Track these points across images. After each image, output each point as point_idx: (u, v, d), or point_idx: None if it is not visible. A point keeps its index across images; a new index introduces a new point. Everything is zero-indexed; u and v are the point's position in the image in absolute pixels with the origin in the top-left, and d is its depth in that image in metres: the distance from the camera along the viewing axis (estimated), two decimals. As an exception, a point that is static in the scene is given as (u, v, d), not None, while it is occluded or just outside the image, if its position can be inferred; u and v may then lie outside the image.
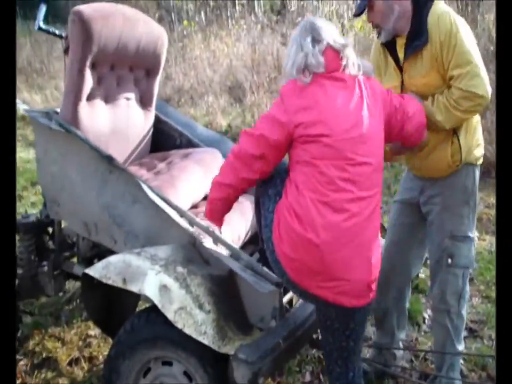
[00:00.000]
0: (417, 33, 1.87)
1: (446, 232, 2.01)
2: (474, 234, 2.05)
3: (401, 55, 1.96)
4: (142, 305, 2.30)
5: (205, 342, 1.57)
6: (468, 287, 2.07)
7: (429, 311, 2.79)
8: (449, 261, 2.00)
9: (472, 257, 2.03)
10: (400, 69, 1.98)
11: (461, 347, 2.10)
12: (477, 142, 1.99)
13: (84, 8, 2.22)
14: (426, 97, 1.90)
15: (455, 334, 2.06)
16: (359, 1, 1.93)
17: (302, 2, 9.33)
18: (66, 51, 2.33)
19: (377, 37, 2.02)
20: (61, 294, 2.70)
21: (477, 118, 1.99)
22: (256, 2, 9.94)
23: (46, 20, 2.59)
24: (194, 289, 1.65)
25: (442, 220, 2.02)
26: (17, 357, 2.48)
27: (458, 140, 1.93)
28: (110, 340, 2.28)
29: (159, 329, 1.71)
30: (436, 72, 1.87)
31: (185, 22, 9.50)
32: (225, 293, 1.72)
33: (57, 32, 2.67)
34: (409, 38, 1.90)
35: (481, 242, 3.53)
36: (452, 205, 1.99)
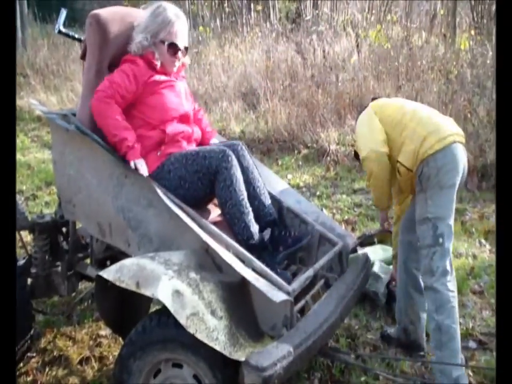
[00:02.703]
0: None
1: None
2: (437, 214, 2.24)
3: None
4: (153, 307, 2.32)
5: (217, 348, 1.58)
6: (443, 262, 2.23)
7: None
8: (418, 244, 2.31)
9: (436, 235, 2.22)
10: None
11: (443, 319, 2.19)
12: (414, 147, 2.25)
13: (101, 11, 2.26)
14: None
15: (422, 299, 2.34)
16: None
17: (317, 11, 9.37)
18: (83, 56, 2.37)
19: None
20: (73, 294, 2.73)
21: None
22: (271, 10, 10.00)
23: (64, 23, 2.63)
24: (207, 296, 1.67)
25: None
26: (29, 354, 2.51)
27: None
28: (121, 340, 2.30)
29: (170, 331, 1.72)
30: None
31: (200, 28, 9.58)
32: (237, 300, 1.74)
33: (76, 36, 2.72)
34: None
35: (492, 255, 3.50)
36: (416, 197, 2.33)
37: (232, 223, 2.10)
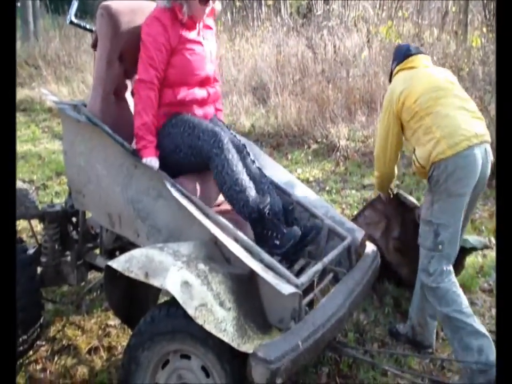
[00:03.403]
0: None
1: None
2: (441, 221, 2.24)
3: None
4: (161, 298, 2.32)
5: (225, 339, 1.58)
6: (441, 266, 2.25)
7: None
8: (419, 240, 2.34)
9: (437, 242, 2.24)
10: None
11: (446, 308, 2.22)
12: (429, 148, 2.23)
13: (112, 3, 2.26)
14: None
15: (431, 304, 2.34)
16: None
17: (327, 7, 9.32)
18: (94, 45, 2.37)
19: None
20: (82, 283, 2.74)
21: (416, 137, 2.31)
22: (282, 4, 9.95)
23: (76, 14, 2.63)
24: (216, 287, 1.66)
25: None
26: (39, 342, 2.53)
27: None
28: (129, 331, 2.30)
29: (179, 322, 1.72)
30: None
31: (211, 22, 9.54)
32: (245, 292, 1.74)
33: (88, 26, 2.72)
34: None
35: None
36: (424, 195, 2.40)
37: (232, 204, 2.13)
